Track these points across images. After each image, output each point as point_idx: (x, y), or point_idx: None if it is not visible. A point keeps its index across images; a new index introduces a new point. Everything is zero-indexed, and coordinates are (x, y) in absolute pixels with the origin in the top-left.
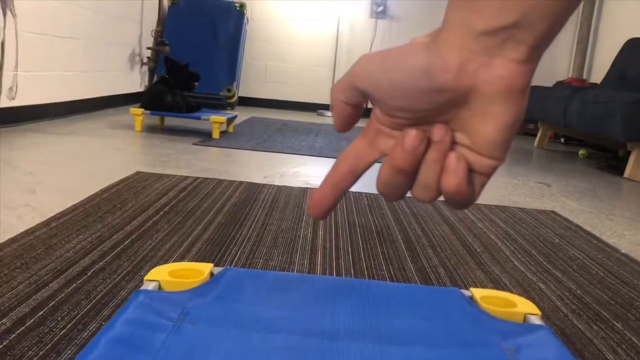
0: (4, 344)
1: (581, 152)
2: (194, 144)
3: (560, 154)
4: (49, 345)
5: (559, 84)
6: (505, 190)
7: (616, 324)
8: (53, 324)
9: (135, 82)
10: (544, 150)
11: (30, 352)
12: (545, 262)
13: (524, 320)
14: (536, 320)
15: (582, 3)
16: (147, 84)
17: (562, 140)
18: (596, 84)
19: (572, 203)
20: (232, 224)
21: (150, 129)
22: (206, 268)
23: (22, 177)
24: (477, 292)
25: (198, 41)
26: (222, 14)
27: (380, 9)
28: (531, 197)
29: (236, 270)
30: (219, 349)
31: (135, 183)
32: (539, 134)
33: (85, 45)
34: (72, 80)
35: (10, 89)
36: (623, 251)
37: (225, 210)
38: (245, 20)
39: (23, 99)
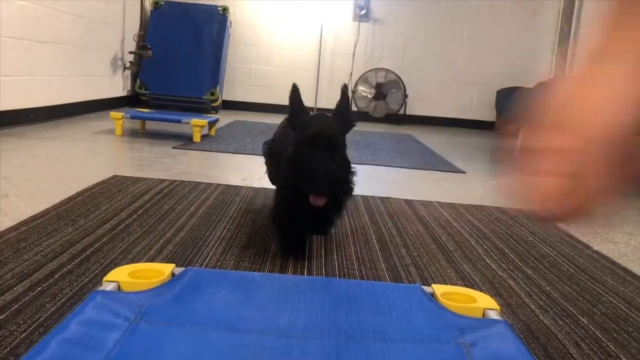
0: None
1: None
2: (174, 147)
3: None
4: (8, 348)
5: (540, 85)
6: (484, 190)
7: (581, 318)
8: (14, 327)
9: (117, 86)
10: None
11: None
12: (517, 260)
13: (483, 315)
14: (494, 315)
15: (563, 4)
16: (129, 88)
17: None
18: None
19: None
20: (206, 226)
21: (131, 133)
22: (167, 269)
23: None
24: (438, 289)
25: (181, 45)
26: (205, 18)
27: (363, 12)
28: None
29: (197, 271)
30: (174, 348)
31: (111, 186)
32: (520, 135)
33: (67, 50)
34: (54, 85)
35: None
36: (595, 248)
37: (200, 213)
38: (229, 23)
39: (3, 104)
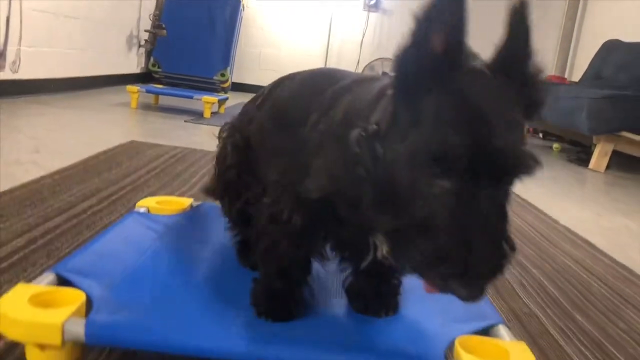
0: (15, 258)
1: (555, 145)
2: (185, 121)
3: (536, 147)
4: (56, 258)
5: None
6: None
7: (533, 269)
8: (59, 244)
9: (132, 63)
10: None
11: (41, 261)
12: None
13: None
14: None
15: (567, 3)
16: (143, 65)
17: (540, 135)
18: (575, 82)
19: (532, 185)
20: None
21: (145, 107)
22: (187, 201)
23: (26, 140)
24: None
25: (194, 26)
26: (218, 0)
27: (372, 2)
28: None
29: (211, 205)
30: (190, 254)
31: (130, 149)
32: None
33: (85, 25)
34: (72, 58)
35: (14, 62)
36: (562, 223)
37: (210, 174)
38: (242, 7)
39: (25, 73)
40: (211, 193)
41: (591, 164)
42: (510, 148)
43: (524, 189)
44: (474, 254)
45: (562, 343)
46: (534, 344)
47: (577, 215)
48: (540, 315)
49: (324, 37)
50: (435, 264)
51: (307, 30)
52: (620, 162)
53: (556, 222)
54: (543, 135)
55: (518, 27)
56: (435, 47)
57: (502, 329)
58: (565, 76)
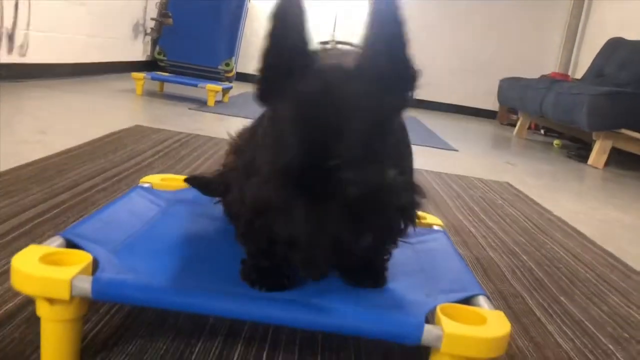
0: (29, 226)
1: (556, 142)
2: (189, 108)
3: (537, 143)
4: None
5: (543, 77)
6: (470, 165)
7: (523, 256)
8: (65, 218)
9: (137, 51)
10: (522, 139)
11: (48, 232)
12: (482, 215)
13: (430, 228)
14: (438, 228)
15: (572, 2)
16: (148, 53)
17: (542, 131)
18: (578, 79)
19: (529, 179)
20: (216, 167)
21: (150, 94)
22: None
23: (33, 121)
24: None
25: (200, 15)
26: None
27: None
28: (494, 172)
29: None
30: (188, 225)
31: (135, 133)
32: (518, 124)
33: (93, 11)
34: (79, 44)
35: (22, 46)
36: (556, 214)
37: (213, 158)
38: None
39: (33, 57)
40: (203, 187)
41: (590, 160)
42: (339, 169)
43: (521, 182)
44: (306, 248)
45: (545, 321)
46: (518, 322)
47: (571, 207)
48: (526, 296)
49: (328, 30)
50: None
51: (312, 23)
52: (620, 160)
53: (549, 212)
54: (545, 132)
55: (380, 12)
56: (282, 53)
57: (482, 300)
58: (569, 73)
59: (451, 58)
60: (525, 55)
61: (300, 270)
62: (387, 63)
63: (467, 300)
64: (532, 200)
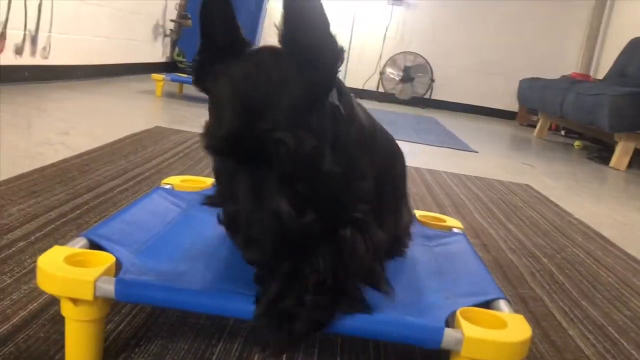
0: (53, 226)
1: (576, 143)
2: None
3: (557, 144)
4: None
5: (563, 78)
6: (490, 166)
7: (543, 258)
8: (88, 219)
9: (157, 52)
10: (542, 140)
11: (71, 233)
12: (502, 217)
13: (449, 231)
14: (457, 231)
15: (594, 2)
16: (168, 55)
17: (563, 132)
18: (600, 80)
19: (549, 181)
20: None
21: (169, 95)
22: (209, 180)
23: (56, 122)
24: (418, 213)
25: None
26: None
27: None
28: (513, 174)
29: None
30: (209, 227)
31: (155, 134)
32: (538, 124)
33: (113, 14)
34: (100, 46)
35: (44, 48)
36: (576, 216)
37: None
38: None
39: (55, 59)
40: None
41: (612, 162)
42: (260, 136)
43: (541, 184)
44: (246, 225)
45: (566, 326)
46: (538, 326)
47: (592, 210)
48: (547, 300)
49: (346, 30)
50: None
51: (330, 22)
52: None
53: (570, 215)
54: (565, 133)
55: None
56: (216, 39)
57: (502, 304)
58: (590, 74)
59: (469, 58)
60: (545, 55)
61: (243, 253)
62: (309, 44)
63: (488, 304)
64: (552, 202)
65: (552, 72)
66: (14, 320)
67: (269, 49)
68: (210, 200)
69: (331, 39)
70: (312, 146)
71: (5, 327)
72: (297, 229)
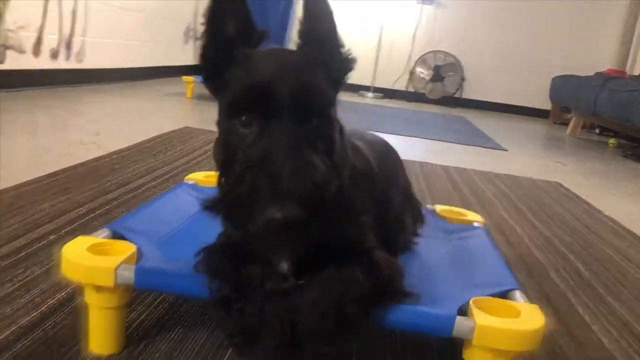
0: (83, 220)
1: (611, 141)
2: None
3: (591, 143)
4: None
5: (599, 75)
6: (520, 165)
7: (569, 255)
8: (116, 214)
9: (188, 55)
10: (575, 139)
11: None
12: (529, 214)
13: (470, 225)
14: (478, 225)
15: None
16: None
17: (597, 130)
18: (635, 76)
19: (580, 178)
20: None
21: (199, 97)
22: None
23: (88, 124)
24: (438, 207)
25: None
26: None
27: None
28: (544, 172)
29: None
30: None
31: (183, 134)
32: (571, 123)
33: (145, 18)
34: (132, 49)
35: (79, 52)
36: (607, 214)
37: None
38: (294, 1)
39: (89, 63)
40: None
41: None
42: (299, 85)
43: (572, 182)
44: (276, 180)
45: (589, 321)
46: (560, 321)
47: (624, 208)
48: (570, 296)
49: (376, 29)
50: (245, 194)
51: (358, 24)
52: None
53: (600, 212)
54: (600, 131)
55: (315, 6)
56: (228, 32)
57: (517, 294)
58: (626, 70)
59: (501, 56)
60: (578, 52)
61: (272, 212)
62: (322, 47)
63: (503, 295)
64: (582, 199)
65: (586, 69)
66: (43, 308)
67: (280, 49)
68: (210, 201)
69: (341, 41)
70: (338, 125)
71: (34, 314)
72: (330, 191)
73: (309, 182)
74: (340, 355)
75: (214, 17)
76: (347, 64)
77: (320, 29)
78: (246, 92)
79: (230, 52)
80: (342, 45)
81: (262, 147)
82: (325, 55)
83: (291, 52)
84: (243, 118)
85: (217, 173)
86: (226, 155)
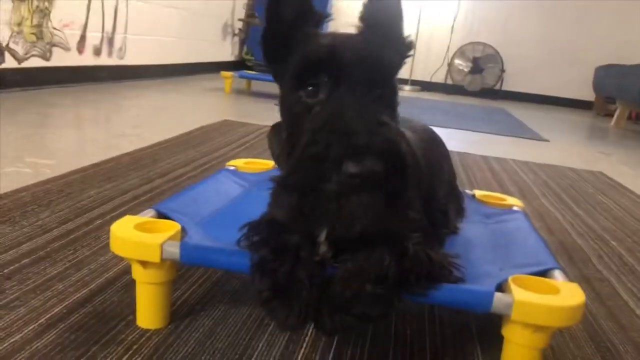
0: (127, 206)
1: None
2: (275, 104)
3: (637, 133)
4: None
5: None
6: (561, 155)
7: (612, 241)
8: (159, 200)
9: (226, 51)
10: (620, 130)
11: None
12: (571, 202)
13: (509, 209)
14: (517, 209)
15: None
16: (237, 53)
17: None
18: None
19: (624, 168)
20: None
21: (238, 92)
22: (271, 163)
23: (131, 118)
24: (478, 192)
25: None
26: None
27: None
28: (586, 162)
29: None
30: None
31: (222, 127)
32: (616, 113)
33: (184, 15)
34: (171, 46)
35: (120, 49)
36: None
37: None
38: None
39: (130, 59)
40: None
41: None
42: (371, 56)
43: (617, 172)
44: (350, 136)
45: (633, 306)
46: (602, 305)
47: None
48: (613, 280)
49: (413, 22)
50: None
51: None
52: None
53: None
54: None
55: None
56: (287, 15)
57: (557, 273)
58: None
59: (542, 47)
60: (623, 41)
61: (349, 166)
62: (385, 31)
63: (542, 274)
64: (626, 188)
65: (631, 59)
66: (92, 286)
67: (344, 33)
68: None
69: (402, 27)
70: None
71: (84, 291)
72: (403, 149)
73: (384, 137)
74: (361, 326)
75: (274, 1)
76: (406, 48)
77: (385, 11)
78: (314, 59)
79: (291, 34)
80: (403, 30)
81: (332, 109)
82: (387, 36)
83: (352, 38)
84: (309, 89)
85: (279, 156)
86: (292, 128)
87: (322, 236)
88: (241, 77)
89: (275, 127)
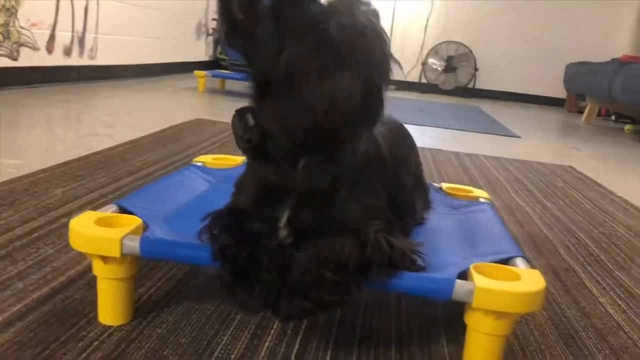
0: (93, 205)
1: (627, 127)
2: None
3: (607, 129)
4: None
5: (614, 61)
6: (532, 151)
7: (579, 233)
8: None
9: (200, 51)
10: (591, 126)
11: None
12: (540, 196)
13: (476, 201)
14: (484, 201)
15: None
16: (211, 53)
17: (613, 117)
18: None
19: (594, 162)
20: None
21: (212, 91)
22: (240, 158)
23: (103, 117)
24: (445, 185)
25: None
26: None
27: None
28: (557, 157)
29: None
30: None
31: (195, 126)
32: (586, 110)
33: (157, 14)
34: (145, 46)
35: (91, 49)
36: (619, 194)
37: None
38: None
39: (101, 59)
40: None
41: None
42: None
43: (586, 166)
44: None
45: (597, 294)
46: (567, 293)
47: (638, 189)
48: (579, 270)
49: (387, 20)
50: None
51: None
52: None
53: (612, 193)
54: (616, 118)
55: None
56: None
57: (519, 261)
58: None
59: (514, 45)
60: (593, 39)
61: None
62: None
63: (504, 262)
64: (594, 182)
65: (602, 56)
66: (53, 284)
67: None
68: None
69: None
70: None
71: (45, 290)
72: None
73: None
74: (318, 312)
75: None
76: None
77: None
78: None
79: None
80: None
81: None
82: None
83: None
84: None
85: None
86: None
87: (283, 220)
88: (215, 76)
89: (239, 112)
